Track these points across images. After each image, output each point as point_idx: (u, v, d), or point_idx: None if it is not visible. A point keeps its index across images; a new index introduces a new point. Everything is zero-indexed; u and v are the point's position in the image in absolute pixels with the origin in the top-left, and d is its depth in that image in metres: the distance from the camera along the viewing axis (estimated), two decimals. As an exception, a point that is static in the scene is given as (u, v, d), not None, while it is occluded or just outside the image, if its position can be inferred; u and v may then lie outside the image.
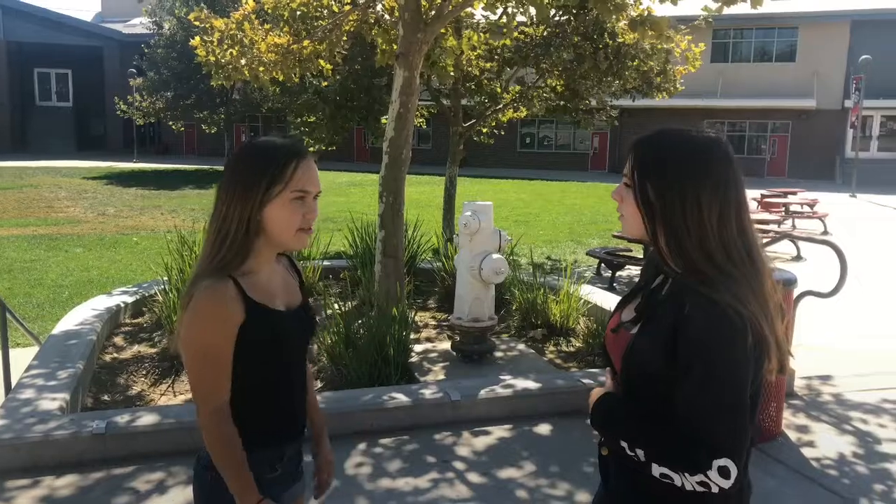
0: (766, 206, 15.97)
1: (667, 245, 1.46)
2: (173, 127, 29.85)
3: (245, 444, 1.66)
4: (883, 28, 30.22)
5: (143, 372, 5.22)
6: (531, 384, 4.73)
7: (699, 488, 1.35)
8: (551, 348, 6.01)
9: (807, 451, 4.22)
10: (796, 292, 4.45)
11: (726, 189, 1.43)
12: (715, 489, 1.33)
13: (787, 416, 4.65)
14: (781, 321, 1.44)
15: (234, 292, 1.60)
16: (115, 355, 5.55)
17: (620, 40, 9.46)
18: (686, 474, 1.34)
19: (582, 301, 6.49)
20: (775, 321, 1.41)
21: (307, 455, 1.94)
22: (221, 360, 1.62)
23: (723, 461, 1.31)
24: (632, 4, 6.32)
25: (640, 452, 1.40)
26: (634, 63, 9.77)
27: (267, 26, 7.89)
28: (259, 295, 1.66)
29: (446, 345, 5.87)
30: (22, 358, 5.25)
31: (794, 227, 15.19)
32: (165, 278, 6.23)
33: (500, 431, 4.35)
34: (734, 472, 1.32)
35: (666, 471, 1.37)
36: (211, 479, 1.67)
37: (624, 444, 1.44)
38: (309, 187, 1.66)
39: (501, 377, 4.90)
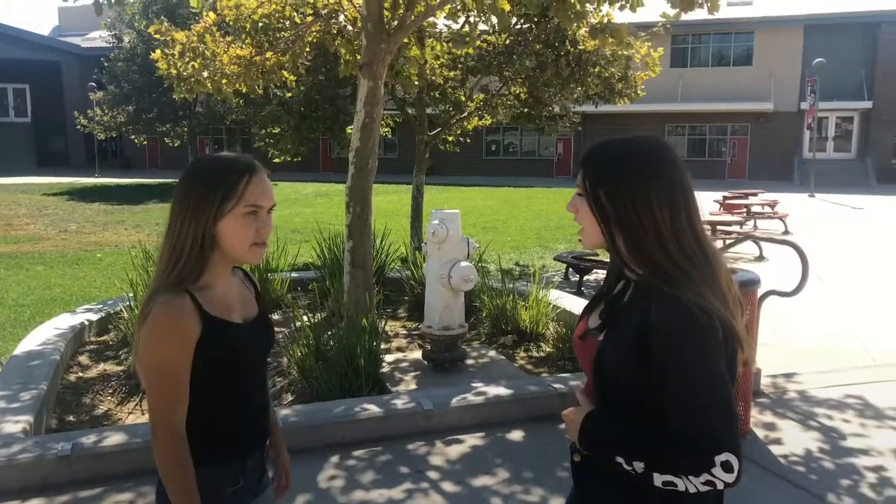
0: (727, 208, 16.24)
1: (626, 248, 1.49)
2: (135, 141, 29.48)
3: (206, 459, 1.65)
4: (835, 32, 31.02)
5: (110, 391, 5.13)
6: (503, 391, 4.74)
7: (704, 488, 1.36)
8: (522, 354, 6.03)
9: (775, 449, 4.29)
10: (760, 292, 4.53)
11: (673, 187, 1.47)
12: (720, 485, 1.35)
13: (755, 415, 4.73)
14: (741, 315, 1.47)
15: (190, 307, 1.60)
16: (81, 374, 5.45)
17: (581, 47, 9.58)
18: (690, 477, 1.35)
19: (551, 306, 6.53)
20: (735, 315, 1.43)
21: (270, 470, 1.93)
22: (179, 377, 1.61)
23: (724, 456, 1.33)
24: (592, 12, 6.40)
25: (638, 465, 1.40)
26: (596, 70, 9.89)
27: (229, 38, 7.85)
28: (216, 309, 1.66)
29: (417, 354, 5.87)
30: (-17, 380, 5.11)
31: (755, 227, 15.46)
32: (131, 294, 6.13)
33: (473, 439, 4.36)
34: (736, 464, 1.34)
35: (669, 478, 1.37)
36: None
37: (620, 459, 1.43)
38: (262, 202, 1.66)
39: (473, 385, 4.91)
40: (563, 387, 4.78)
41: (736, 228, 13.41)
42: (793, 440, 4.41)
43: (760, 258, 11.45)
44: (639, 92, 10.67)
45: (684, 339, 1.36)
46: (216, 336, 1.63)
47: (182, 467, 1.61)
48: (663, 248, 1.44)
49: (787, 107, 31.44)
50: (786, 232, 14.64)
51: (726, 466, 1.33)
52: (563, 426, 1.58)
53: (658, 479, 1.39)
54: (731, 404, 1.37)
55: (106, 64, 28.58)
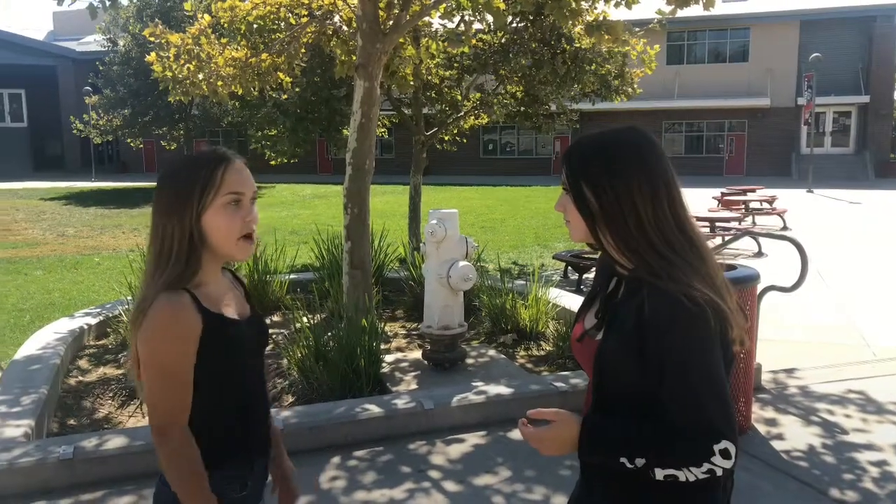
0: (726, 204, 16.25)
1: (613, 243, 1.50)
2: (132, 144, 29.44)
3: (215, 461, 1.62)
4: (831, 26, 31.07)
5: (110, 394, 5.12)
6: (503, 389, 4.74)
7: (704, 476, 1.38)
8: (522, 353, 6.03)
9: (777, 444, 4.29)
10: (760, 287, 4.53)
11: (654, 176, 1.47)
12: (720, 472, 1.37)
13: (756, 410, 4.73)
14: (729, 296, 1.47)
15: (190, 303, 1.58)
16: (81, 378, 5.44)
17: (578, 45, 9.58)
18: (691, 468, 1.37)
19: (550, 305, 6.53)
20: (726, 298, 1.44)
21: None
22: (183, 376, 1.58)
23: (722, 444, 1.35)
24: (587, 10, 6.41)
25: (639, 461, 1.40)
26: (592, 67, 9.88)
27: (224, 40, 7.83)
28: (214, 305, 1.64)
29: (417, 354, 5.86)
30: (-18, 386, 5.10)
31: (754, 223, 15.47)
32: (129, 298, 6.12)
33: (474, 438, 4.35)
34: (734, 451, 1.36)
35: (670, 471, 1.39)
36: (175, 497, 1.61)
37: (623, 459, 1.42)
38: (242, 188, 1.64)
39: (474, 384, 4.90)
40: (563, 385, 4.77)
41: (734, 225, 13.41)
42: (795, 435, 4.40)
43: (759, 254, 11.46)
44: (635, 89, 10.67)
45: (677, 331, 1.37)
46: (218, 331, 1.61)
47: (195, 466, 1.58)
48: (647, 239, 1.44)
49: (784, 102, 31.48)
50: (784, 228, 14.64)
51: (724, 454, 1.36)
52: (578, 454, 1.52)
53: (660, 474, 1.40)
54: (725, 392, 1.38)
55: (101, 68, 28.56)
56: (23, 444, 3.88)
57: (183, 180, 1.62)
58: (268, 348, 5.68)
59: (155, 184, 1.68)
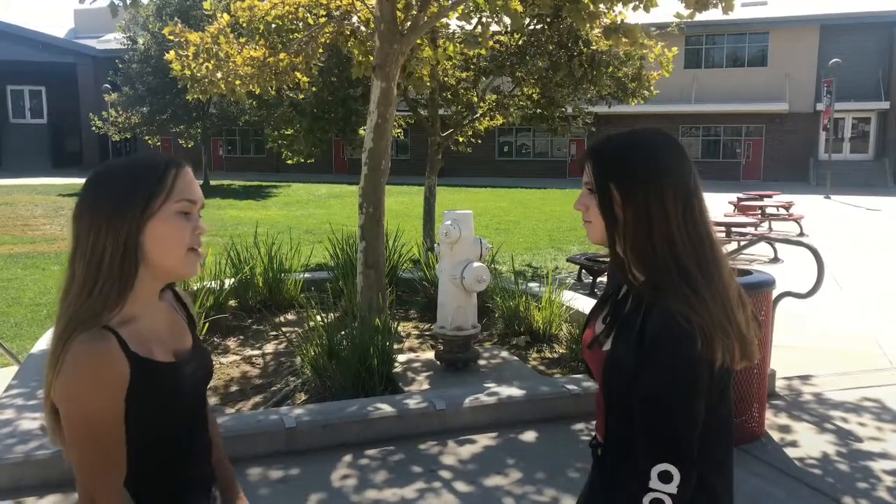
0: (742, 210, 16.14)
1: (628, 251, 1.46)
2: (149, 142, 29.64)
3: None
4: (851, 31, 30.80)
5: (124, 389, 5.16)
6: (516, 391, 4.73)
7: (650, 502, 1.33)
8: (535, 355, 6.02)
9: (790, 451, 4.26)
10: (775, 293, 4.50)
11: (687, 181, 1.45)
12: (666, 499, 1.31)
13: (769, 417, 4.70)
14: (744, 310, 1.45)
15: (116, 349, 1.33)
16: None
17: (595, 48, 9.56)
18: (642, 499, 1.33)
19: (564, 307, 6.52)
20: (736, 312, 1.41)
21: None
22: (113, 432, 1.34)
23: (662, 466, 1.31)
24: (605, 12, 6.39)
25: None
26: (609, 70, 9.86)
27: (242, 40, 7.88)
28: (144, 347, 1.38)
29: (430, 354, 5.87)
30: (0, 378, 5.17)
31: (770, 229, 15.37)
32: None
33: (485, 440, 4.35)
34: (677, 476, 1.30)
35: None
36: None
37: None
38: (193, 197, 1.42)
39: (486, 385, 4.90)
40: (576, 388, 4.76)
41: (750, 230, 13.33)
42: (808, 443, 4.37)
43: (775, 260, 11.38)
44: (652, 92, 10.63)
45: (661, 345, 1.34)
46: (147, 380, 1.36)
47: None
48: (671, 248, 1.40)
49: (802, 108, 31.24)
50: (801, 234, 14.54)
51: (664, 477, 1.31)
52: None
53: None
54: (685, 417, 1.34)
55: (120, 66, 28.77)
56: (39, 436, 3.92)
57: (125, 183, 1.37)
58: (282, 345, 5.64)
59: (87, 183, 1.42)
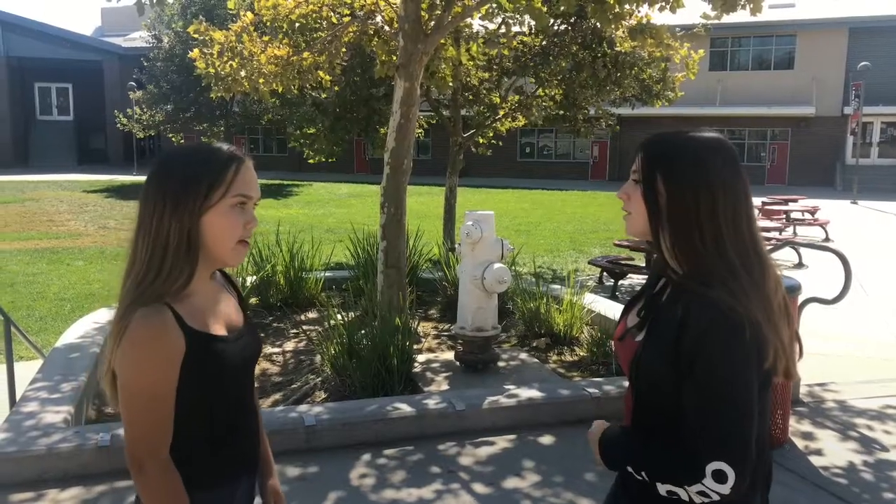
0: (767, 214, 15.96)
1: (671, 244, 1.45)
2: (173, 139, 29.92)
3: (193, 481, 1.49)
4: (881, 34, 30.33)
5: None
6: (535, 394, 4.71)
7: (699, 499, 1.33)
8: (555, 357, 5.99)
9: (814, 459, 4.20)
10: (800, 299, 4.44)
11: (737, 187, 1.44)
12: (715, 497, 1.31)
13: (793, 424, 4.64)
14: (787, 325, 1.42)
15: (172, 321, 1.43)
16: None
17: (619, 49, 9.50)
18: (686, 486, 1.33)
19: (585, 310, 6.48)
20: (779, 324, 1.39)
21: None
22: (166, 401, 1.44)
23: (717, 465, 1.29)
24: (630, 13, 6.34)
25: (644, 474, 1.41)
26: (633, 71, 9.80)
27: (266, 38, 7.92)
28: (199, 321, 1.48)
29: (449, 355, 5.86)
30: (25, 371, 5.23)
31: (795, 234, 15.18)
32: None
33: (504, 441, 4.33)
34: (731, 476, 1.29)
35: (670, 487, 1.37)
36: None
37: (630, 469, 1.44)
38: (251, 192, 1.52)
39: (505, 387, 4.88)
40: (596, 391, 4.73)
41: (775, 235, 13.18)
42: (832, 450, 4.31)
43: (800, 265, 11.24)
44: (677, 93, 10.55)
45: (710, 342, 1.32)
46: (202, 352, 1.46)
47: (178, 498, 1.46)
48: (717, 248, 1.39)
49: (829, 111, 30.83)
50: (826, 239, 14.34)
51: (718, 476, 1.30)
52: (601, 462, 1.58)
53: (662, 489, 1.38)
54: (743, 413, 1.32)
55: (145, 64, 29.09)
56: (62, 429, 3.96)
57: (189, 173, 1.47)
58: (302, 343, 5.68)
59: (154, 169, 1.51)
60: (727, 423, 1.30)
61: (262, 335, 6.40)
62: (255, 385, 1.75)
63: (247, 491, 1.67)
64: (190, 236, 1.45)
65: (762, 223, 13.72)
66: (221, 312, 1.58)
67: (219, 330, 1.53)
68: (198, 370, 1.46)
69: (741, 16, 6.02)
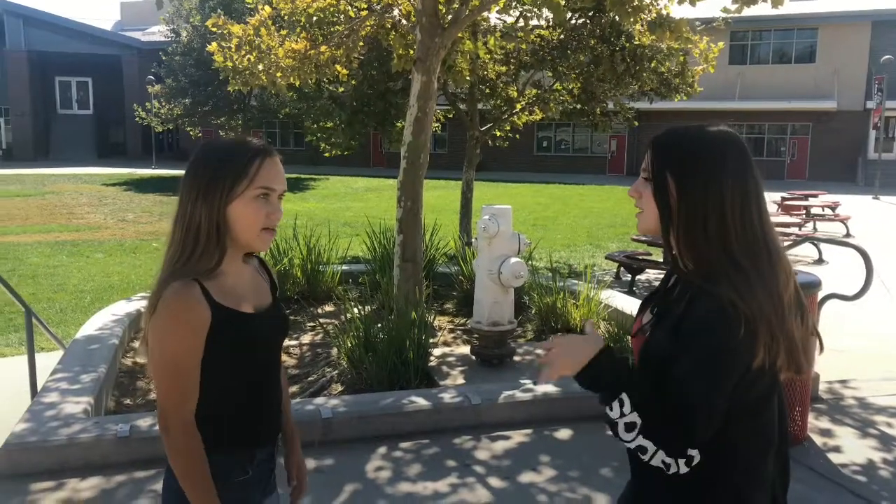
0: (786, 209, 15.81)
1: (681, 241, 1.45)
2: (191, 133, 30.10)
3: (214, 444, 1.63)
4: (904, 28, 29.89)
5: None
6: (551, 388, 4.70)
7: (656, 462, 1.36)
8: (571, 352, 5.96)
9: (833, 456, 4.16)
10: (820, 295, 4.40)
11: (746, 182, 1.43)
12: (649, 458, 1.36)
13: (812, 421, 4.60)
14: (801, 319, 1.42)
15: (199, 296, 1.56)
16: (136, 360, 5.59)
17: (637, 42, 9.43)
18: (662, 451, 1.35)
19: (602, 305, 6.45)
20: (788, 317, 1.38)
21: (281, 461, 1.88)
22: (190, 368, 1.58)
23: (642, 441, 1.35)
24: (650, 6, 6.28)
25: (626, 411, 1.37)
26: (652, 65, 9.72)
27: (284, 32, 7.94)
28: (226, 298, 1.62)
29: (465, 349, 5.86)
30: (46, 362, 5.29)
31: (815, 230, 15.03)
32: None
33: (519, 436, 4.33)
34: (664, 453, 1.34)
35: (643, 443, 1.36)
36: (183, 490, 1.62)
37: (616, 403, 1.39)
38: (274, 185, 1.64)
39: (521, 381, 4.88)
40: (612, 386, 4.71)
41: (794, 230, 13.06)
42: (851, 448, 4.27)
43: (820, 261, 11.14)
44: (696, 87, 10.46)
45: (700, 329, 1.34)
46: (226, 326, 1.60)
47: (196, 458, 1.59)
48: (724, 244, 1.39)
49: (851, 106, 30.45)
50: (847, 235, 14.19)
51: (665, 444, 1.35)
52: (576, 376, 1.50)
53: (633, 440, 1.38)
54: (705, 405, 1.33)
55: (164, 58, 29.26)
56: (82, 420, 4.00)
57: (217, 165, 1.61)
58: (319, 336, 5.70)
59: (191, 161, 1.66)
60: (683, 412, 1.33)
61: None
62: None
63: (265, 459, 1.77)
64: (218, 223, 1.60)
65: (781, 218, 13.59)
66: (250, 292, 1.71)
67: (246, 308, 1.66)
68: (223, 341, 1.59)
69: (762, 9, 5.95)
